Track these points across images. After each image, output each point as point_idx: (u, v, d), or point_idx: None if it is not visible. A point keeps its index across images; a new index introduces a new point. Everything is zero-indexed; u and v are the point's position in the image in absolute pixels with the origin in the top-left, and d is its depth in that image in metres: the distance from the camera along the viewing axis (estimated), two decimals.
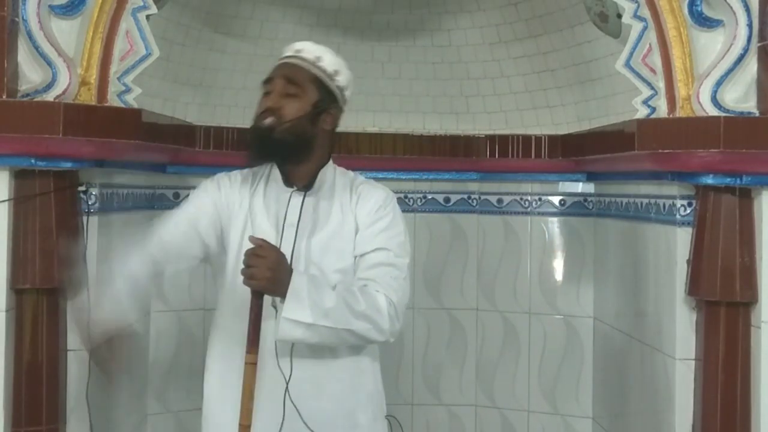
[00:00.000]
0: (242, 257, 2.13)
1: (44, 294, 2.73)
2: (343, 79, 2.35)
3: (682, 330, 2.78)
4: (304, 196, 2.30)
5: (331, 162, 2.40)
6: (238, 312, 2.20)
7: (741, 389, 2.65)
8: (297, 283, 2.12)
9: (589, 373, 3.76)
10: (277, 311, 2.17)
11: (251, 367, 2.13)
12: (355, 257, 2.29)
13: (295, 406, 2.18)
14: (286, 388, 2.18)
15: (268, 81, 2.30)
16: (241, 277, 2.13)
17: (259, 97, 2.35)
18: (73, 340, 2.83)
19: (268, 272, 2.08)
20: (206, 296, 3.79)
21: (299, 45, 2.36)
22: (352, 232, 2.30)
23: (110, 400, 3.05)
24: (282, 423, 2.19)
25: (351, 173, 2.43)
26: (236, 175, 2.41)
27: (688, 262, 2.75)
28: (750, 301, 2.65)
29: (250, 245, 2.12)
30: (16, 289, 2.69)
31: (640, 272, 3.14)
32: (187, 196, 3.70)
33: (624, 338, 3.32)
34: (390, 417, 2.46)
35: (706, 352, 2.71)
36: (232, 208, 2.33)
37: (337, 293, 2.17)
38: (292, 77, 2.27)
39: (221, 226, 2.34)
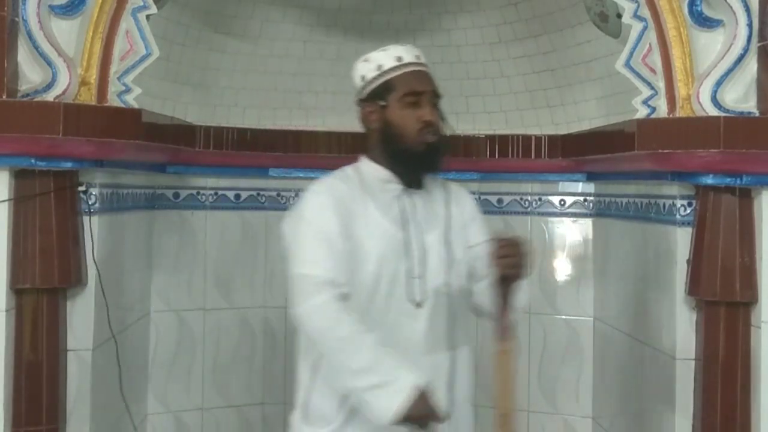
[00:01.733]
0: (383, 261, 2.24)
1: (44, 294, 2.73)
2: None
3: (682, 330, 2.78)
4: (416, 193, 2.37)
5: None
6: (383, 312, 2.26)
7: (741, 389, 2.65)
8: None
9: (589, 373, 3.76)
10: (420, 308, 2.27)
11: (507, 354, 2.22)
12: (471, 246, 2.40)
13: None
14: (448, 378, 2.31)
15: (420, 93, 2.32)
16: (371, 283, 2.23)
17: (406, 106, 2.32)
18: (72, 339, 2.83)
19: (526, 262, 2.24)
20: (206, 296, 3.79)
21: (416, 51, 2.39)
22: (461, 225, 2.40)
23: (110, 400, 3.05)
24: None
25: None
26: (333, 182, 2.36)
27: (688, 262, 2.75)
28: (750, 301, 2.65)
29: (383, 253, 2.23)
30: (16, 289, 2.70)
31: (640, 272, 3.14)
32: (188, 196, 3.78)
33: (624, 338, 3.32)
34: None
35: (706, 352, 2.71)
36: (351, 218, 2.30)
37: None
38: (436, 90, 2.36)
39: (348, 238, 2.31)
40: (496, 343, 2.23)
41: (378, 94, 2.33)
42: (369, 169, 2.37)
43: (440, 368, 2.28)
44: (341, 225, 2.23)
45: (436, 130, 2.30)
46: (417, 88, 2.31)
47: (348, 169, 2.39)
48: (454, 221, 2.37)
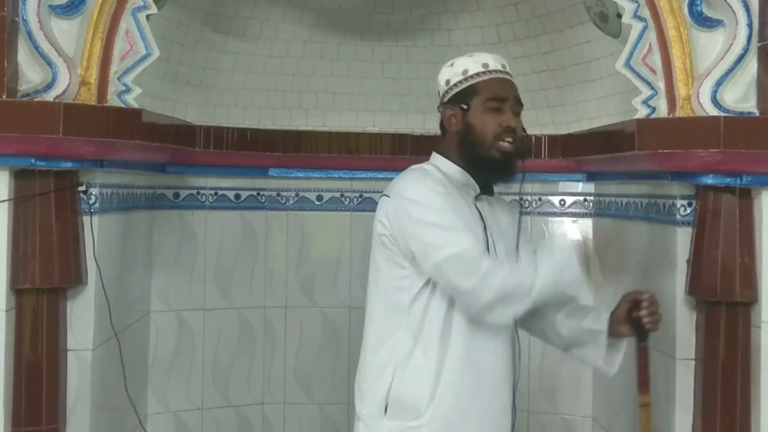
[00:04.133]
0: None
1: (44, 294, 2.73)
2: None
3: (682, 330, 2.78)
4: (490, 201, 2.42)
5: None
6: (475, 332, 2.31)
7: (741, 389, 2.65)
8: None
9: (589, 373, 3.75)
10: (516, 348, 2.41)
11: (647, 407, 2.39)
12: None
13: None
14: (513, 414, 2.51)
15: (503, 99, 2.35)
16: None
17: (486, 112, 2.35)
18: (72, 339, 2.83)
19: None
20: (206, 296, 3.79)
21: (502, 60, 2.43)
22: (515, 236, 2.44)
23: (110, 400, 3.05)
24: None
25: None
26: (429, 176, 2.36)
27: (688, 262, 2.75)
28: (750, 301, 2.65)
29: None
30: (16, 289, 2.69)
31: (639, 272, 3.14)
32: (188, 196, 3.77)
33: (624, 338, 3.31)
34: None
35: (706, 352, 2.71)
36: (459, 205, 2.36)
37: None
38: (518, 97, 2.38)
39: None
40: (637, 396, 2.41)
41: (461, 98, 2.35)
42: (450, 169, 2.37)
43: (506, 382, 2.40)
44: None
45: (515, 138, 2.32)
46: (501, 93, 2.34)
47: (426, 167, 2.39)
48: (522, 234, 2.43)
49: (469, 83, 2.35)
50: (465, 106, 2.33)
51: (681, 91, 2.69)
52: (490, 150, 2.31)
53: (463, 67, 2.37)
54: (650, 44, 2.73)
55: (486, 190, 2.40)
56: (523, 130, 2.37)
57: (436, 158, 2.41)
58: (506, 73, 2.40)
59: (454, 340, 2.27)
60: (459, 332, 2.28)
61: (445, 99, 2.40)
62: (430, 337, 2.27)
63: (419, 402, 2.26)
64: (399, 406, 2.28)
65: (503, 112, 2.32)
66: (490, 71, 2.36)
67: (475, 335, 2.29)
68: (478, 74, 2.35)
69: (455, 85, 2.37)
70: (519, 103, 2.37)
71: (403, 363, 2.28)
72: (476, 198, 2.38)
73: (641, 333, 2.42)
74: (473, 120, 2.33)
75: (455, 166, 2.37)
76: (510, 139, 2.31)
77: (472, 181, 2.38)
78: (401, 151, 3.72)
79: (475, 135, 2.32)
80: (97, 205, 2.87)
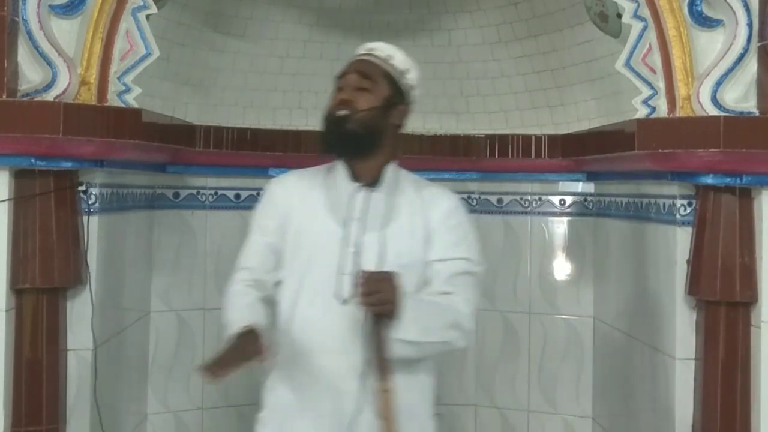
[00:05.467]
0: (314, 255, 2.27)
1: (44, 294, 2.73)
2: (412, 77, 2.41)
3: (682, 330, 2.78)
4: (371, 192, 2.33)
5: (396, 162, 2.42)
6: (305, 322, 2.28)
7: (741, 389, 2.65)
8: (407, 304, 2.14)
9: (589, 373, 3.76)
10: (346, 305, 2.21)
11: (388, 393, 2.14)
12: (431, 261, 2.31)
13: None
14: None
15: (341, 76, 2.36)
16: (299, 275, 2.28)
17: (330, 93, 2.39)
18: (73, 339, 2.83)
19: (395, 297, 2.10)
20: (206, 296, 3.79)
21: (371, 44, 2.42)
22: (421, 231, 2.32)
23: (110, 400, 3.05)
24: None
25: (415, 175, 2.47)
26: (289, 177, 2.45)
27: (688, 262, 2.75)
28: (750, 301, 2.65)
29: (318, 248, 2.26)
30: (16, 289, 2.70)
31: (640, 272, 3.14)
32: (188, 195, 3.78)
33: (624, 338, 3.32)
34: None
35: (706, 352, 2.71)
36: (292, 212, 2.36)
37: (434, 308, 2.23)
38: (366, 72, 2.33)
39: (285, 233, 2.37)
40: (376, 382, 2.17)
41: None
42: (337, 166, 2.38)
43: (352, 371, 2.22)
44: (279, 220, 2.34)
45: (338, 108, 2.31)
46: (342, 72, 2.36)
47: (325, 165, 2.42)
48: (410, 225, 2.31)
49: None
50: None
51: (681, 90, 2.70)
52: (323, 126, 2.32)
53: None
54: (650, 44, 2.73)
55: (371, 180, 2.33)
56: (387, 100, 2.31)
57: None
58: (367, 54, 2.38)
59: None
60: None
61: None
62: None
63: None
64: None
65: (342, 89, 2.34)
66: (355, 56, 2.40)
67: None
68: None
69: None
70: (365, 77, 2.31)
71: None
72: (358, 191, 2.32)
73: (372, 315, 2.16)
74: None
75: (341, 166, 2.37)
76: (342, 111, 2.29)
77: (350, 175, 2.34)
78: (401, 150, 3.71)
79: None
80: (97, 205, 2.87)
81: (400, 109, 2.37)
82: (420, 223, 2.32)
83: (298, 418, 2.31)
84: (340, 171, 2.36)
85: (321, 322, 2.26)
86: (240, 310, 2.26)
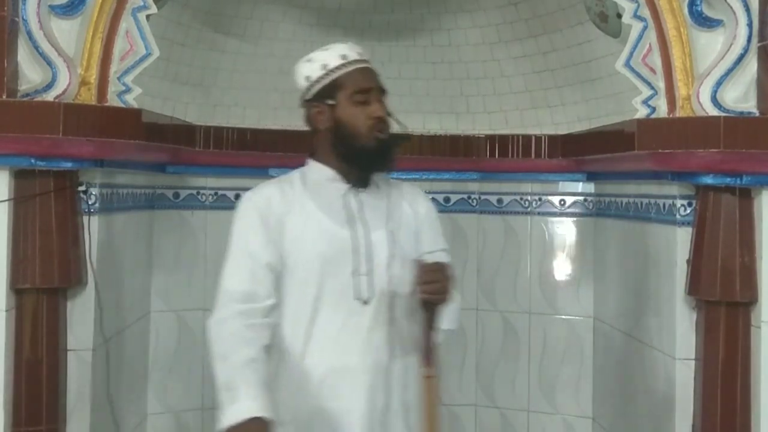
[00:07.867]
0: (327, 259, 2.24)
1: (44, 294, 2.74)
2: None
3: (682, 330, 2.78)
4: (361, 192, 2.34)
5: None
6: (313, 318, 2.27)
7: (741, 389, 2.65)
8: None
9: (589, 373, 3.76)
10: (367, 305, 2.25)
11: (432, 379, 2.19)
12: (422, 253, 2.34)
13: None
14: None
15: (367, 90, 2.31)
16: (316, 283, 2.24)
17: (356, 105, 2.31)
18: (73, 339, 2.83)
19: (451, 287, 2.21)
20: (206, 296, 3.79)
21: (358, 48, 2.38)
22: (412, 225, 2.39)
23: (110, 400, 3.05)
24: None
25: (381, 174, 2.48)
26: (265, 189, 2.36)
27: (688, 262, 2.75)
28: (750, 301, 2.65)
29: (330, 251, 2.24)
30: (16, 289, 2.70)
31: (640, 272, 3.14)
32: (188, 196, 3.77)
33: (624, 338, 3.32)
34: None
35: (706, 352, 2.71)
36: (284, 222, 2.30)
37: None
38: (381, 86, 2.35)
39: (281, 247, 2.31)
40: (420, 368, 2.21)
41: (326, 93, 2.31)
42: (314, 170, 2.36)
43: (379, 370, 2.25)
44: (267, 235, 2.26)
45: (386, 127, 2.30)
46: (364, 85, 2.30)
47: (294, 173, 2.39)
48: (404, 219, 2.36)
49: (331, 77, 2.31)
50: (332, 102, 2.31)
51: (681, 91, 2.70)
52: (367, 142, 2.29)
53: (322, 61, 2.33)
54: (650, 44, 2.73)
55: (361, 182, 2.34)
56: (389, 114, 2.32)
57: (308, 163, 2.39)
58: (364, 61, 2.36)
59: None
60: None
61: (308, 96, 2.36)
62: None
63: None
64: None
65: (370, 103, 2.30)
66: (349, 62, 2.33)
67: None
68: (338, 67, 2.32)
69: (317, 81, 2.33)
70: (382, 90, 2.33)
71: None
72: (348, 192, 2.32)
73: (423, 303, 2.23)
74: (342, 115, 2.30)
75: (321, 166, 2.35)
76: (382, 129, 2.30)
77: (340, 177, 2.33)
78: (401, 150, 3.71)
79: (347, 129, 2.29)
80: (96, 205, 2.88)
81: None
82: (411, 218, 2.39)
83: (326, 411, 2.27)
84: (324, 174, 2.34)
85: (348, 325, 2.25)
86: (242, 373, 2.20)
